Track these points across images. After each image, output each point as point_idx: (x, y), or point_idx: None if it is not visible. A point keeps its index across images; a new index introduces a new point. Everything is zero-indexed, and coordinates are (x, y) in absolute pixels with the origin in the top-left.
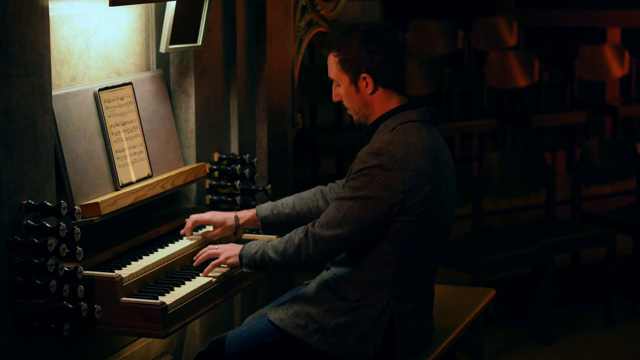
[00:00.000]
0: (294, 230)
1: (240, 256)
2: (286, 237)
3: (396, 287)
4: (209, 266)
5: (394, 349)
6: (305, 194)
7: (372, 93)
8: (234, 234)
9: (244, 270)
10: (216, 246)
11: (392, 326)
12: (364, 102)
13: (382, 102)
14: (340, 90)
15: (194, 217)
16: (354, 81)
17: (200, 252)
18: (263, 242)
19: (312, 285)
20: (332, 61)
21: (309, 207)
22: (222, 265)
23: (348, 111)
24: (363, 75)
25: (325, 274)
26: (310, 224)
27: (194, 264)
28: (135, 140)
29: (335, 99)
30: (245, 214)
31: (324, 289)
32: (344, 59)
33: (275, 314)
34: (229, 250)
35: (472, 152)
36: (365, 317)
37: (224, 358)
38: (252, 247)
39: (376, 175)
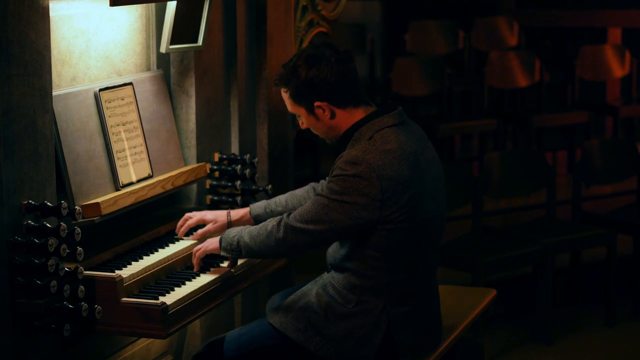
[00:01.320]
0: (272, 218)
1: (220, 240)
2: (263, 222)
3: (391, 292)
4: (194, 257)
5: (393, 353)
6: (298, 192)
7: (331, 117)
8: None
9: (221, 253)
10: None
11: (389, 331)
12: (327, 126)
13: (346, 120)
14: (303, 120)
15: (189, 221)
16: (310, 111)
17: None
18: (244, 227)
19: (312, 288)
20: (285, 96)
21: (301, 205)
22: (220, 265)
23: (319, 135)
24: (317, 104)
25: (325, 277)
26: (286, 214)
27: (195, 269)
28: (135, 141)
29: (302, 127)
30: (238, 212)
31: (322, 294)
32: (293, 93)
33: (275, 317)
34: (212, 239)
35: (473, 152)
36: (362, 324)
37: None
38: (232, 231)
39: (354, 182)
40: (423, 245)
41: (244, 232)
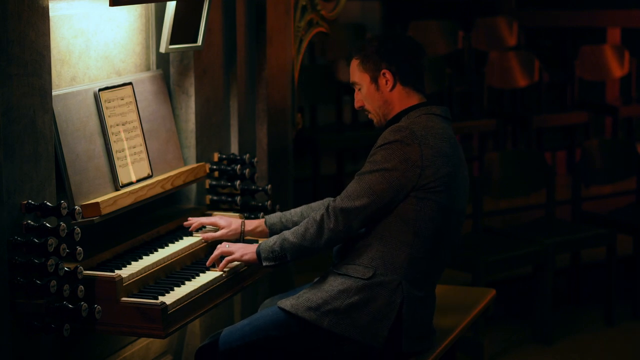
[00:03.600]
0: (314, 212)
1: (258, 252)
2: (306, 219)
3: (409, 270)
4: (223, 261)
5: (400, 335)
6: (315, 204)
7: (391, 89)
8: (239, 239)
9: (264, 264)
10: (227, 245)
11: (401, 311)
12: (384, 99)
13: (402, 99)
14: (362, 92)
15: (201, 219)
16: (374, 79)
17: (215, 251)
18: (279, 234)
19: (320, 278)
20: (354, 64)
21: None
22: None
23: (369, 115)
24: (383, 71)
25: (333, 266)
26: (331, 200)
27: (207, 263)
28: (135, 140)
29: (357, 104)
30: (252, 222)
31: (334, 276)
32: (365, 59)
33: (287, 302)
34: (244, 248)
35: (473, 152)
36: (377, 295)
37: (223, 352)
38: (269, 241)
39: (396, 149)
40: (446, 229)
41: (286, 235)
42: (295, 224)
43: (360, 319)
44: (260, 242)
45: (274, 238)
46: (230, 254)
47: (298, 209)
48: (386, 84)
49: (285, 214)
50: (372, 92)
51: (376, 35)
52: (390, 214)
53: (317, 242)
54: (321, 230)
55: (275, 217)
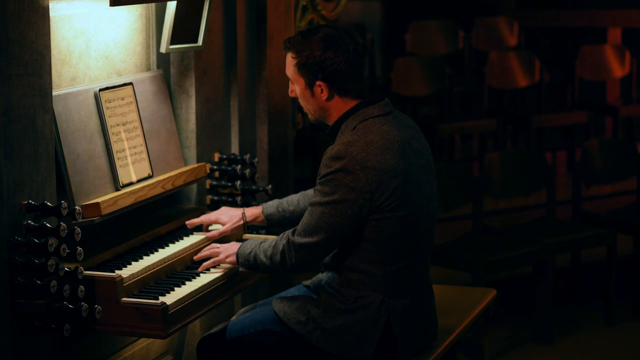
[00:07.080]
0: (280, 235)
1: (237, 255)
2: (274, 241)
3: (388, 284)
4: (209, 262)
5: (393, 349)
6: (310, 192)
7: (327, 100)
8: (244, 231)
9: (240, 269)
10: (218, 245)
11: (389, 325)
12: (319, 106)
13: (339, 106)
14: (297, 90)
15: (203, 220)
16: (310, 86)
17: (203, 249)
18: (257, 242)
19: (314, 286)
20: (290, 61)
21: None
22: (221, 264)
23: (304, 109)
24: (318, 82)
25: (321, 276)
26: (290, 231)
27: (195, 257)
28: (135, 141)
29: (291, 94)
30: (253, 212)
31: (322, 291)
32: (301, 63)
33: (280, 305)
34: (229, 249)
35: (473, 152)
36: (362, 318)
37: (225, 343)
38: (247, 247)
39: (340, 179)
40: (414, 235)
41: (259, 250)
42: (292, 213)
43: (346, 338)
44: (241, 244)
45: (251, 246)
46: (217, 254)
47: (295, 197)
48: (322, 92)
49: (282, 202)
50: (307, 96)
51: (318, 37)
52: (354, 238)
53: (282, 269)
54: (284, 262)
55: (272, 206)
